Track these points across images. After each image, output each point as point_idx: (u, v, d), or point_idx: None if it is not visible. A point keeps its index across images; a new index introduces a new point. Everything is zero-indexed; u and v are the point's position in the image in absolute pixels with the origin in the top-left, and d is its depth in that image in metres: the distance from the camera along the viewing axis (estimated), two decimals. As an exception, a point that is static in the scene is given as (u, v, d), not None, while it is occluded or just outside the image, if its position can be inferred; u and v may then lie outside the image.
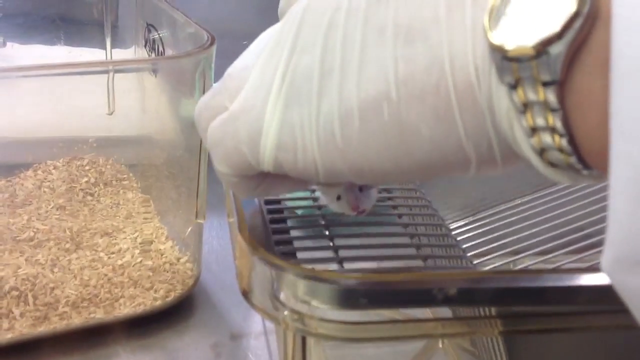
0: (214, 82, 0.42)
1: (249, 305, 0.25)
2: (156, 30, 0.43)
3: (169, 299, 0.38)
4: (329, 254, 0.28)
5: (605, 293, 0.24)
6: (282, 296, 0.25)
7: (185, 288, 0.39)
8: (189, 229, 0.39)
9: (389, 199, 0.34)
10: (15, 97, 0.47)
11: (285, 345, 0.26)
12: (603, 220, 0.36)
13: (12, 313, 0.35)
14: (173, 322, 0.37)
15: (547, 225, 0.37)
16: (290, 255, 0.28)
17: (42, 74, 0.34)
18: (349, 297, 0.23)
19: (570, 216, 0.37)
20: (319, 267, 0.25)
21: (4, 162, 0.48)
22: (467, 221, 0.39)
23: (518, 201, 0.40)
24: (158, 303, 0.38)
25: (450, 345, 0.34)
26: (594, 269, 0.25)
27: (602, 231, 0.35)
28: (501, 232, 0.36)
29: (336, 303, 0.23)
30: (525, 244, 0.35)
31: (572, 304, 0.25)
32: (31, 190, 0.45)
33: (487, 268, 0.34)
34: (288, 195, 0.31)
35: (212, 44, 0.34)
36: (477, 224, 0.38)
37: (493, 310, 0.25)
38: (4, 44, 0.60)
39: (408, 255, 0.29)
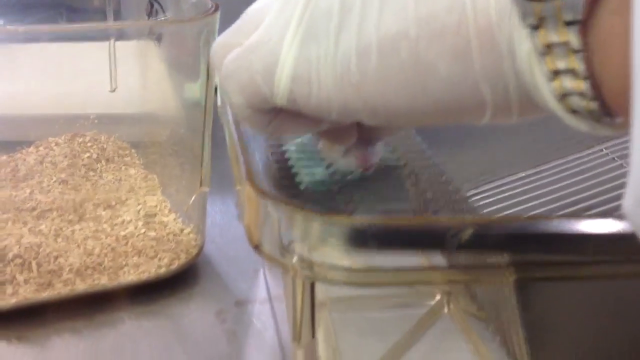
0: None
1: (260, 256, 0.25)
2: (159, 4, 0.43)
3: (173, 267, 0.38)
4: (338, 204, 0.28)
5: (617, 241, 0.24)
6: (291, 244, 0.25)
7: (189, 257, 0.39)
8: (192, 198, 0.39)
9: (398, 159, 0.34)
10: (17, 73, 0.47)
11: (295, 293, 0.26)
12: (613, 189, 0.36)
13: (16, 279, 0.35)
14: (177, 290, 0.37)
15: (561, 193, 0.37)
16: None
17: (42, 38, 0.34)
18: (359, 239, 0.23)
19: (581, 185, 0.37)
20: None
21: (5, 139, 0.48)
22: (480, 189, 0.39)
23: (531, 171, 0.40)
24: (162, 271, 0.37)
25: (456, 310, 0.34)
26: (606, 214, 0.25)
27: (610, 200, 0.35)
28: (513, 200, 0.37)
29: (347, 244, 0.23)
30: (538, 210, 0.36)
31: (584, 252, 0.25)
32: (33, 165, 0.45)
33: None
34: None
35: (215, 10, 0.34)
36: (490, 191, 0.38)
37: (503, 259, 0.25)
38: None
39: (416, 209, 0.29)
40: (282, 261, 0.25)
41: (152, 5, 0.46)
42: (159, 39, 0.43)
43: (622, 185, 0.33)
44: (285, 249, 0.25)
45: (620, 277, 0.26)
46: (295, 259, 0.24)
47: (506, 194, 0.37)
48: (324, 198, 0.29)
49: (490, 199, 0.36)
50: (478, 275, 0.25)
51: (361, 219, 0.23)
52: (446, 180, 0.33)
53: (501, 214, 0.33)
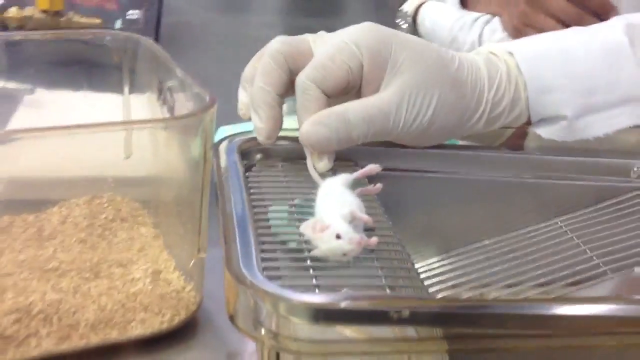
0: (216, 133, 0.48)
1: (233, 326, 0.31)
2: (169, 90, 0.49)
3: (174, 323, 0.44)
4: (308, 281, 0.34)
5: (535, 320, 0.30)
6: (261, 318, 0.30)
7: (188, 313, 0.44)
8: (192, 263, 0.45)
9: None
10: (43, 145, 0.53)
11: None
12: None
13: (39, 332, 0.41)
14: (177, 342, 0.43)
15: (514, 263, 0.42)
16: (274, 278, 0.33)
17: (67, 133, 0.40)
18: (314, 318, 0.29)
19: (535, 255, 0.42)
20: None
21: (34, 199, 0.54)
22: (437, 259, 0.44)
23: (486, 242, 0.45)
24: (165, 326, 0.43)
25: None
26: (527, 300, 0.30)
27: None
28: (466, 269, 0.42)
29: (306, 321, 0.28)
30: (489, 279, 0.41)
31: (504, 328, 0.30)
32: (56, 226, 0.51)
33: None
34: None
35: (212, 105, 0.40)
36: (446, 262, 0.44)
37: (437, 333, 0.30)
38: (33, 92, 0.67)
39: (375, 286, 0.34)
40: (253, 333, 0.30)
41: (161, 83, 0.52)
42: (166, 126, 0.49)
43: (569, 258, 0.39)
44: (257, 321, 0.30)
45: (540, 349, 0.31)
46: (263, 332, 0.30)
47: (459, 265, 0.42)
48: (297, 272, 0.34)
49: (445, 270, 0.42)
50: (417, 346, 0.30)
51: (314, 304, 0.29)
52: (404, 256, 0.39)
53: (439, 293, 0.38)
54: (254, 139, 0.43)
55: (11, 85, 0.66)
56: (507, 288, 0.40)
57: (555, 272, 0.40)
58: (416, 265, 0.43)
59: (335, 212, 0.35)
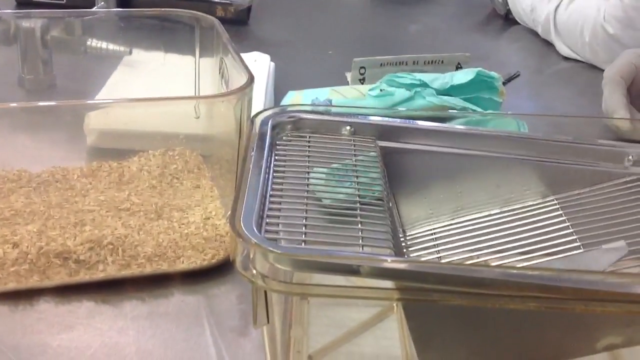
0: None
1: (234, 268, 0.39)
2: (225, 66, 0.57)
3: (213, 261, 0.53)
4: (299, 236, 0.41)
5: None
6: (254, 264, 0.38)
7: (226, 254, 0.53)
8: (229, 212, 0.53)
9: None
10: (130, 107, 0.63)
11: (254, 295, 0.39)
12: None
13: (106, 260, 0.51)
14: (214, 277, 0.52)
15: (501, 234, 0.47)
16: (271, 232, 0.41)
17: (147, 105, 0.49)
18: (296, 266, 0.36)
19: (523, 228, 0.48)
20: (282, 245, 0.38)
21: (119, 149, 0.64)
22: (432, 227, 0.51)
23: (486, 213, 0.51)
24: (205, 263, 0.52)
25: (399, 315, 0.46)
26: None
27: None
28: (453, 238, 0.48)
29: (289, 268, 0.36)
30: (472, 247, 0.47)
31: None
32: (134, 172, 0.61)
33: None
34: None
35: (248, 85, 0.48)
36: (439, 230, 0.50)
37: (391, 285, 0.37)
38: (130, 53, 0.78)
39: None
40: (245, 274, 0.38)
41: (222, 61, 0.60)
42: (225, 84, 0.57)
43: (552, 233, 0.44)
44: (250, 265, 0.38)
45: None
46: (254, 273, 0.38)
47: (449, 233, 0.48)
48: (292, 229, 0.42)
49: (434, 237, 0.48)
50: (372, 294, 0.37)
51: (292, 254, 0.36)
52: (392, 221, 0.45)
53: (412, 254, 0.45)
54: (287, 112, 0.51)
55: (113, 47, 0.77)
56: (481, 255, 0.46)
57: (535, 243, 0.45)
58: (415, 231, 0.50)
59: None
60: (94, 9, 0.91)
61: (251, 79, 0.49)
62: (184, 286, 0.51)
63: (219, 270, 0.52)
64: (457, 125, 0.52)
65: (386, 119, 0.52)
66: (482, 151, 0.50)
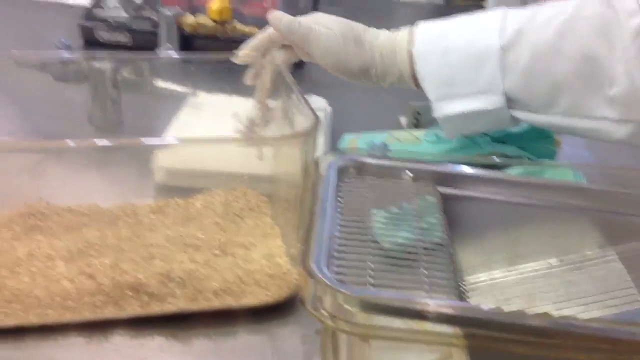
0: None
1: (303, 306, 0.41)
2: (290, 106, 0.60)
3: (277, 298, 0.54)
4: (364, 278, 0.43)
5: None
6: (324, 304, 0.40)
7: (289, 292, 0.55)
8: (293, 250, 0.55)
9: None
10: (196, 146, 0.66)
11: (323, 334, 0.41)
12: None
13: (176, 293, 0.54)
14: (277, 316, 0.54)
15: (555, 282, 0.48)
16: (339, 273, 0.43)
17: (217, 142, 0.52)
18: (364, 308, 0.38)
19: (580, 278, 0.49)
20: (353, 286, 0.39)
21: (186, 187, 0.67)
22: (492, 273, 0.52)
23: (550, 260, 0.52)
24: (269, 299, 0.54)
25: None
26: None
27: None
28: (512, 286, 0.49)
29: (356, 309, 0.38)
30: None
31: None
32: (199, 209, 0.64)
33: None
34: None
35: (313, 129, 0.50)
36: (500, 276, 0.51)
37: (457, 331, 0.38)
38: (195, 94, 0.81)
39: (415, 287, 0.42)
40: (315, 313, 0.40)
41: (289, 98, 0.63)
42: (290, 123, 0.60)
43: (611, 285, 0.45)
44: (320, 306, 0.40)
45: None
46: (324, 312, 0.40)
47: (502, 282, 0.49)
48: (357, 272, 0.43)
49: (492, 285, 0.49)
50: (435, 339, 0.39)
51: (363, 297, 0.38)
52: (453, 267, 0.46)
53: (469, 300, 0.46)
54: (351, 156, 0.53)
55: (179, 88, 0.80)
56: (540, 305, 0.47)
57: (594, 295, 0.46)
58: (472, 277, 0.51)
59: None
60: (161, 53, 0.96)
61: (317, 121, 0.52)
62: (249, 324, 0.53)
63: (283, 308, 0.54)
64: (515, 175, 0.54)
65: (446, 166, 0.54)
66: (540, 201, 0.52)
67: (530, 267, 0.51)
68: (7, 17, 1.30)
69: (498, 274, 0.52)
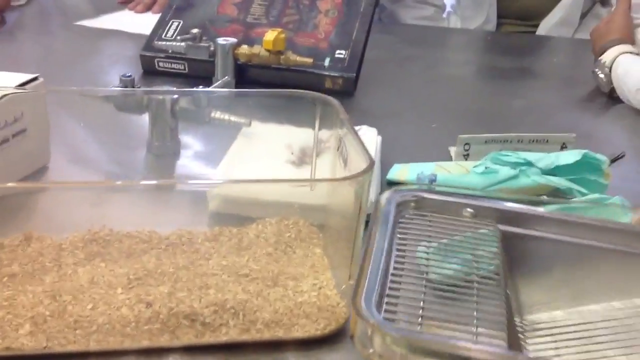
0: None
1: (352, 342, 0.42)
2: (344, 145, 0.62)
3: (326, 331, 0.56)
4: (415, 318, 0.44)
5: None
6: (372, 344, 0.41)
7: (338, 325, 0.56)
8: (343, 287, 0.56)
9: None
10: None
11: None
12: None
13: (229, 323, 0.55)
14: (326, 348, 0.55)
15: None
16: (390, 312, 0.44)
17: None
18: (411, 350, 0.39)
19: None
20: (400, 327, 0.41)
21: (239, 215, 0.69)
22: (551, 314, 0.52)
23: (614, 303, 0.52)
24: (319, 332, 0.56)
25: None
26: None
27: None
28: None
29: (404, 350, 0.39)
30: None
31: None
32: (252, 239, 0.66)
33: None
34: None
35: (368, 170, 0.52)
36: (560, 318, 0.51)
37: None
38: (249, 124, 0.84)
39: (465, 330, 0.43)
40: (364, 352, 0.41)
41: (341, 142, 0.65)
42: (344, 161, 0.62)
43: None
44: (369, 344, 0.41)
45: None
46: (372, 352, 0.41)
47: (562, 324, 0.49)
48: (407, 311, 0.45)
49: (552, 327, 0.49)
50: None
51: (408, 339, 0.39)
52: (506, 300, 0.47)
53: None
54: (410, 191, 0.54)
55: (235, 118, 0.83)
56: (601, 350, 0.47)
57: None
58: (532, 317, 0.51)
59: None
60: (219, 86, 0.99)
61: (372, 163, 0.53)
62: (298, 353, 0.54)
63: (333, 339, 0.56)
64: (579, 215, 0.54)
65: (507, 203, 0.54)
66: (603, 242, 0.52)
67: (591, 309, 0.51)
68: (76, 45, 1.36)
69: (559, 314, 0.52)
